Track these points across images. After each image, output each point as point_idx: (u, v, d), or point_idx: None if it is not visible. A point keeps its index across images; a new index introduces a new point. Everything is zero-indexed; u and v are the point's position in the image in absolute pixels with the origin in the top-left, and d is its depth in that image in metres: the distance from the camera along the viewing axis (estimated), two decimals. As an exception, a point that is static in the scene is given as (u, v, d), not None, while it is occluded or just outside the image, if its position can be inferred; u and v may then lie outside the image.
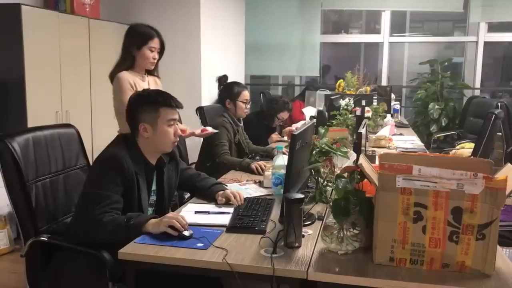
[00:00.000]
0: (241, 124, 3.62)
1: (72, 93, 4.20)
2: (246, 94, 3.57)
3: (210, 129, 3.16)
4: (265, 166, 2.95)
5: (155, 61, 2.89)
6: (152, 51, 2.83)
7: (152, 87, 2.90)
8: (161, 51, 2.91)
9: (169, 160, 2.21)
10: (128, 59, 2.83)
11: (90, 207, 1.85)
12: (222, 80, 3.58)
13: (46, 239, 1.98)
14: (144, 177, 2.04)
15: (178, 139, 2.12)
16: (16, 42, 3.64)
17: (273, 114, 4.31)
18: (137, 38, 2.81)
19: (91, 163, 2.36)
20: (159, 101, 2.04)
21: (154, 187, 2.15)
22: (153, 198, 2.17)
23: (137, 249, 1.65)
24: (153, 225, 1.79)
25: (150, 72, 2.97)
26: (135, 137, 2.07)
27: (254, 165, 2.95)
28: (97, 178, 1.93)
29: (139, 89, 2.61)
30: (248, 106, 3.62)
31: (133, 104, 2.08)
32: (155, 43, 2.83)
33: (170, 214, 1.86)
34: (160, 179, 2.17)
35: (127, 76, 2.76)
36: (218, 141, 3.28)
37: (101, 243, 1.85)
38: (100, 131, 4.47)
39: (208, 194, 2.29)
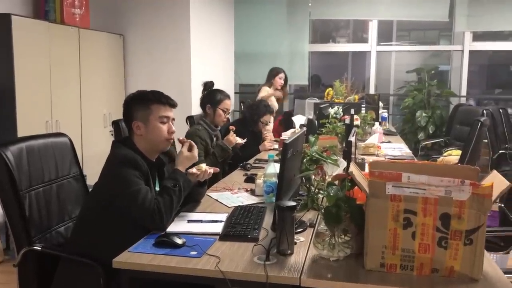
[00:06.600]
0: (219, 129, 3.63)
1: (62, 102, 4.20)
2: (227, 103, 3.54)
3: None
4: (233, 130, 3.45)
5: None
6: None
7: None
8: None
9: (168, 161, 2.24)
10: None
11: (137, 205, 1.88)
12: (207, 85, 3.60)
13: (39, 248, 1.98)
14: (149, 172, 2.07)
15: (172, 136, 2.14)
16: (6, 51, 3.64)
17: (257, 118, 4.34)
18: None
19: (83, 172, 2.38)
20: (149, 98, 2.09)
21: (157, 187, 2.16)
22: None
23: (131, 258, 1.66)
24: (191, 176, 2.13)
25: None
26: (131, 137, 2.10)
27: (228, 139, 3.43)
28: (123, 178, 1.93)
29: None
30: (228, 116, 3.61)
31: (127, 103, 2.12)
32: None
33: (194, 170, 2.17)
34: (162, 179, 2.19)
35: None
36: None
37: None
38: (90, 140, 4.47)
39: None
